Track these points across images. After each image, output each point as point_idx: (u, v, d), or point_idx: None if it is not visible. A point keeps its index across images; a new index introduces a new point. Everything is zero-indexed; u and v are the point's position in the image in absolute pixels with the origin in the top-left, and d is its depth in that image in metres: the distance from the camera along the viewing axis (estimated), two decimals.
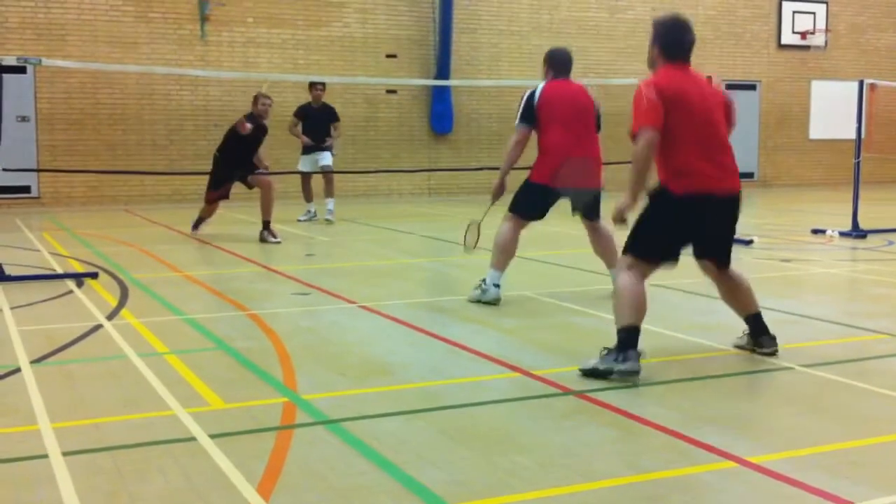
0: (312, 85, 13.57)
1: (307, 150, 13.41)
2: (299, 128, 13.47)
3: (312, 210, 13.62)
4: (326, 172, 13.38)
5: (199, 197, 16.90)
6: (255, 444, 3.91)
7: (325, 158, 13.38)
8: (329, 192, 13.38)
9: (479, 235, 7.43)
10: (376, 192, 18.59)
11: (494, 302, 6.97)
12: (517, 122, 7.04)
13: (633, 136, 4.99)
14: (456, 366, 5.27)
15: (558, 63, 7.16)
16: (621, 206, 4.98)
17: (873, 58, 22.87)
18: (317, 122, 13.41)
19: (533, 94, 7.02)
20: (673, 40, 5.19)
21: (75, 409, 4.41)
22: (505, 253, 7.08)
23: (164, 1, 16.73)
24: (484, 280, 7.06)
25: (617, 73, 19.40)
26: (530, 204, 7.07)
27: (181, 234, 11.83)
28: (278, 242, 10.79)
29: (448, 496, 3.31)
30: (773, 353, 5.36)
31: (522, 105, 7.03)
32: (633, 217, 5.06)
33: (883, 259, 9.73)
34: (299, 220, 13.36)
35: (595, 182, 7.03)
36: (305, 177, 13.60)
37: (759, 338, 5.41)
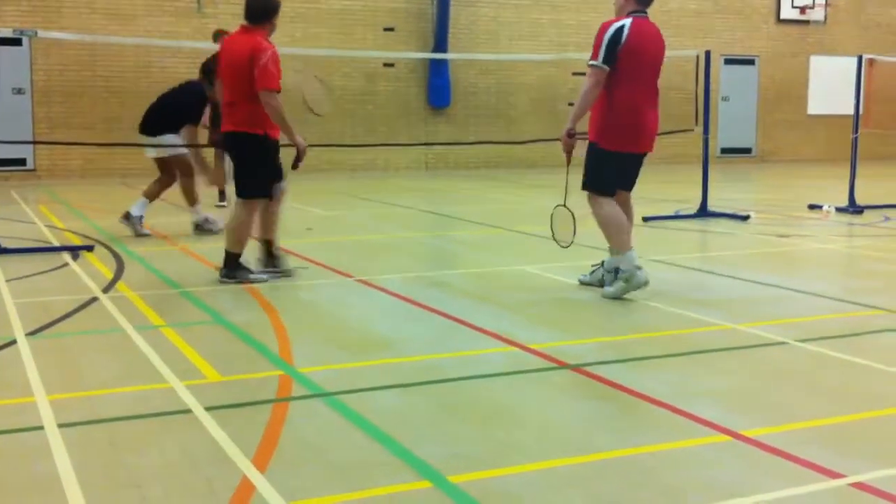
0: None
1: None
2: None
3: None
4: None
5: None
6: (252, 416, 3.92)
7: None
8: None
9: (575, 223, 6.26)
10: (373, 166, 18.54)
11: (644, 285, 6.14)
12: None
13: (265, 90, 6.38)
14: (453, 340, 5.27)
15: None
16: (302, 150, 6.63)
17: (872, 33, 22.77)
18: None
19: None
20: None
21: (71, 382, 4.42)
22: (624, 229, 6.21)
23: None
24: (615, 271, 6.19)
25: None
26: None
27: (177, 207, 11.79)
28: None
29: (445, 469, 3.32)
30: (289, 273, 6.83)
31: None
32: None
33: (879, 235, 9.74)
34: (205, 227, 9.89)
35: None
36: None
37: (273, 260, 6.89)
